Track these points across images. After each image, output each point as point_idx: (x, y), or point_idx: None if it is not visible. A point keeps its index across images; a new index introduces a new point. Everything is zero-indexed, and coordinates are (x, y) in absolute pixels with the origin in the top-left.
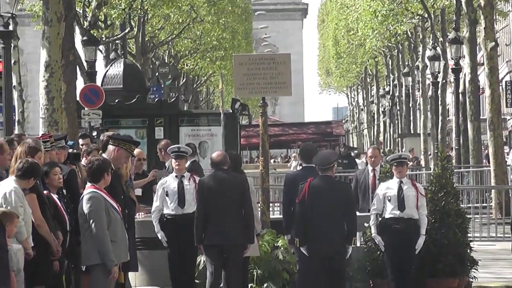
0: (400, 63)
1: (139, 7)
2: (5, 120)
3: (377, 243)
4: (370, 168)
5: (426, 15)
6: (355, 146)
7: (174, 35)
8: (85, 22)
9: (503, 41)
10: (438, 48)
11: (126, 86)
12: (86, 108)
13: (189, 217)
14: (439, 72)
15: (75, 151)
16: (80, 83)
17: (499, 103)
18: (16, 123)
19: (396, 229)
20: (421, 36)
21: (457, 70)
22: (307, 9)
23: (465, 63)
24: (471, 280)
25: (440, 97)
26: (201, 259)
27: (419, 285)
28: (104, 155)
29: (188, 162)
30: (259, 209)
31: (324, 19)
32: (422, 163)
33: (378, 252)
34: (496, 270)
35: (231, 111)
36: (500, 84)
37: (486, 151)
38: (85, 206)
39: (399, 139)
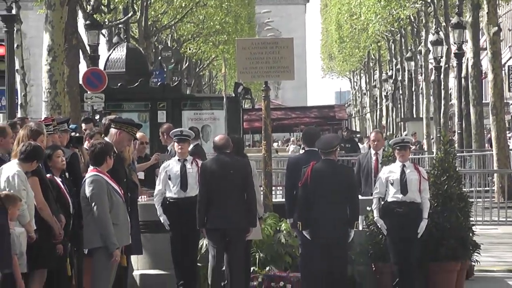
0: (403, 47)
1: None
2: (8, 103)
3: (379, 226)
4: (372, 152)
5: (429, 0)
6: (358, 130)
7: (177, 19)
8: (88, 6)
9: (506, 26)
10: (441, 33)
11: (128, 70)
12: (88, 92)
13: (191, 201)
14: (441, 57)
15: (77, 134)
16: (83, 67)
17: (501, 88)
18: (18, 107)
19: (399, 213)
20: (424, 21)
21: (459, 54)
22: None
23: (468, 47)
24: (473, 263)
25: (442, 82)
26: (204, 242)
27: (422, 269)
28: (106, 138)
29: (191, 146)
30: (262, 192)
31: (327, 4)
32: (425, 147)
33: (381, 236)
34: (498, 254)
35: (233, 95)
36: (503, 69)
37: (489, 135)
38: (87, 189)
39: (402, 123)
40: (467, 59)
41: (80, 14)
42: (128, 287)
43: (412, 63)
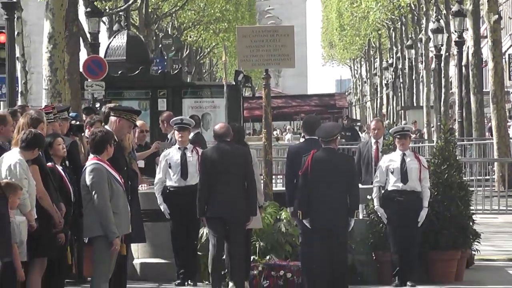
0: (404, 35)
1: None
2: (8, 91)
3: (379, 215)
4: (373, 140)
5: None
6: (358, 119)
7: (178, 7)
8: None
9: (506, 14)
10: (441, 21)
11: (129, 58)
12: (89, 80)
13: (192, 189)
14: (442, 45)
15: (77, 122)
16: (83, 55)
17: (502, 76)
18: (19, 95)
19: (399, 202)
20: (424, 9)
21: (460, 43)
22: None
23: (469, 36)
24: (473, 252)
25: (443, 70)
26: (204, 231)
27: (422, 258)
28: (106, 127)
29: (192, 134)
30: (262, 181)
31: None
32: (425, 135)
33: (381, 225)
34: (499, 243)
35: (234, 83)
36: (503, 57)
37: (489, 124)
38: (88, 178)
39: (402, 111)
40: (468, 47)
41: (80, 1)
42: (129, 275)
43: (413, 51)
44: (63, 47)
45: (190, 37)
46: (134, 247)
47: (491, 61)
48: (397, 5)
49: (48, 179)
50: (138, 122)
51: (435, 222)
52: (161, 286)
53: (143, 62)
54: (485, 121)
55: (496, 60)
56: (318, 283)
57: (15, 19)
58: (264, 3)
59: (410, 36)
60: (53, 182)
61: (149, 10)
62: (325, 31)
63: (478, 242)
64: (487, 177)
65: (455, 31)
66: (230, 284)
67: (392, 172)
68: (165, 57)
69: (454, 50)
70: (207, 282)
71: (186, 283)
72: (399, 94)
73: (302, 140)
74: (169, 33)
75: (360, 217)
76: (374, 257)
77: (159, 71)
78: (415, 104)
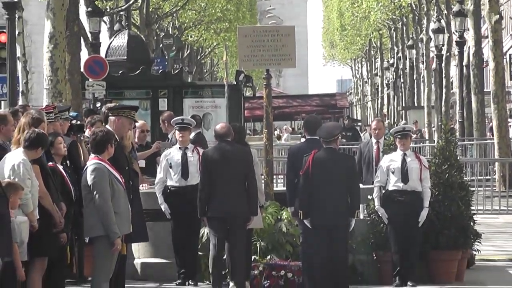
0: (404, 35)
1: None
2: (9, 91)
3: (380, 215)
4: (374, 140)
5: None
6: (359, 119)
7: (179, 7)
8: None
9: (507, 14)
10: (442, 21)
11: (130, 58)
12: (90, 80)
13: (192, 189)
14: (443, 45)
15: (78, 122)
16: (84, 54)
17: (503, 76)
18: (20, 94)
19: (400, 202)
20: (425, 9)
21: (461, 43)
22: None
23: (469, 36)
24: (474, 253)
25: (444, 70)
26: (205, 231)
27: (422, 258)
28: (107, 126)
29: (193, 134)
30: (263, 181)
31: None
32: (426, 135)
33: (382, 225)
34: (500, 243)
35: (235, 83)
36: (504, 57)
37: (490, 124)
38: (89, 178)
39: (403, 111)
40: (469, 47)
41: (81, 1)
42: (129, 275)
43: (414, 51)
44: (64, 46)
45: (191, 37)
46: (135, 246)
47: (492, 61)
48: (398, 5)
49: (48, 179)
50: (139, 122)
51: (436, 222)
52: (161, 286)
53: (144, 62)
54: (486, 121)
55: (497, 60)
56: (319, 283)
57: (16, 18)
58: (265, 3)
59: (411, 36)
60: (53, 182)
61: (150, 10)
62: (326, 31)
63: (478, 242)
64: (488, 177)
65: (456, 31)
66: (231, 284)
67: (393, 172)
68: (166, 57)
69: (455, 50)
70: (207, 282)
71: (186, 283)
72: (400, 94)
73: (303, 140)
74: (170, 32)
75: (361, 217)
76: (374, 257)
77: (160, 71)
78: (416, 104)
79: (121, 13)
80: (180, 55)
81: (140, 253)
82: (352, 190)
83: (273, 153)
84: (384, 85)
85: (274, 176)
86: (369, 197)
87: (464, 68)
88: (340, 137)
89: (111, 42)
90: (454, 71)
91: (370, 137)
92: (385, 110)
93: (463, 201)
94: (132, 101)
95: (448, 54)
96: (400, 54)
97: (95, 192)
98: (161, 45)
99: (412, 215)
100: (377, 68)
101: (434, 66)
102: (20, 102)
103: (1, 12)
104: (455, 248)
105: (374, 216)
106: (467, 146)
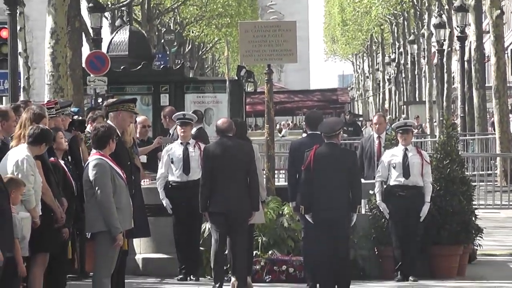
0: (406, 30)
1: None
2: (10, 86)
3: (382, 210)
4: (375, 135)
5: None
6: (361, 114)
7: (180, 2)
8: None
9: (508, 9)
10: (443, 16)
11: (131, 53)
12: (91, 75)
13: (194, 184)
14: (444, 40)
15: (79, 118)
16: (85, 50)
17: (504, 71)
18: (21, 90)
19: (401, 197)
20: (426, 4)
21: (462, 38)
22: None
23: (471, 31)
24: (475, 247)
25: (445, 65)
26: (206, 226)
27: (424, 253)
28: (108, 121)
29: (194, 129)
30: (264, 176)
31: None
32: (427, 130)
33: (383, 220)
34: (501, 238)
35: (236, 78)
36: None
37: (492, 118)
38: (91, 173)
39: (405, 106)
40: (470, 42)
41: None
42: (131, 271)
43: (415, 46)
44: (65, 42)
45: (192, 32)
46: (136, 242)
47: (494, 56)
48: (400, 0)
49: (50, 174)
50: (140, 118)
51: (437, 217)
52: (163, 281)
53: (145, 57)
54: (488, 116)
55: (499, 55)
56: (321, 278)
57: (18, 14)
58: None
59: (412, 31)
60: (55, 177)
61: (151, 5)
62: (327, 26)
63: (480, 237)
64: (490, 172)
65: (458, 26)
66: (232, 279)
67: (394, 167)
68: (167, 52)
69: (457, 45)
70: (209, 277)
71: (188, 278)
72: (402, 89)
73: (304, 135)
74: (171, 28)
75: (363, 212)
76: (376, 252)
77: (161, 66)
78: (417, 99)
79: (123, 8)
80: (182, 51)
81: (142, 249)
82: (354, 185)
83: (274, 148)
84: (386, 80)
85: (276, 171)
86: (371, 192)
87: (466, 63)
88: (341, 132)
89: (112, 38)
90: (455, 66)
91: (372, 131)
92: (386, 105)
93: (465, 196)
94: (133, 96)
95: (449, 49)
96: (401, 49)
97: (96, 188)
98: (162, 41)
99: (414, 210)
100: (378, 63)
101: (435, 61)
102: (21, 98)
103: (3, 8)
104: (456, 243)
105: (376, 211)
106: (469, 141)
